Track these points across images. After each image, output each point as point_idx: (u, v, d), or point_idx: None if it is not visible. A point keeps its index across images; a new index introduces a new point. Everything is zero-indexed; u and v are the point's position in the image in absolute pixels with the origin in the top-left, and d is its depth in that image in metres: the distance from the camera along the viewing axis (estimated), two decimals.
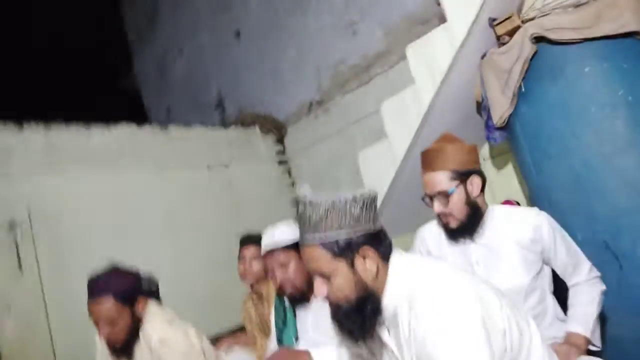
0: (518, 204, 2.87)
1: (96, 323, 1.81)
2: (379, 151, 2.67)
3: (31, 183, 2.90)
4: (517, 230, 1.64)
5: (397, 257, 1.19)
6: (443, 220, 1.66)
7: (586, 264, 1.69)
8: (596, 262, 1.92)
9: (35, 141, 3.01)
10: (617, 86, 1.85)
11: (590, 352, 1.57)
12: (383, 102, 2.68)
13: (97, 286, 1.80)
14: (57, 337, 2.71)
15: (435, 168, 1.61)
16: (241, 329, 2.65)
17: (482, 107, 2.36)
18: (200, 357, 1.88)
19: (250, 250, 2.35)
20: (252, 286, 2.39)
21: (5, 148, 2.87)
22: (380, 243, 1.17)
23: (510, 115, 2.18)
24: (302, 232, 1.17)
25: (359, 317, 1.13)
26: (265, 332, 2.37)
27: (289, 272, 1.70)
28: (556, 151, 2.02)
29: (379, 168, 2.68)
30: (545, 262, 1.69)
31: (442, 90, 2.30)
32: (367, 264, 1.14)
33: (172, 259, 3.39)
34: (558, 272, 1.70)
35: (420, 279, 1.12)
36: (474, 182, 1.64)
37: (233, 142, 4.16)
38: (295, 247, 1.64)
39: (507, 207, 1.77)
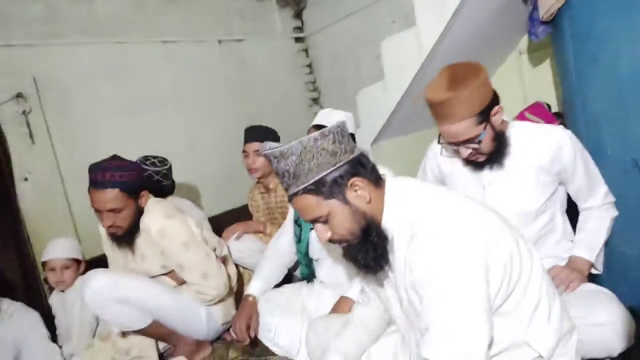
0: (549, 106, 2.69)
1: (99, 212, 1.85)
2: (405, 40, 2.43)
3: (35, 54, 2.75)
4: (537, 151, 1.53)
5: (393, 181, 1.16)
6: (471, 159, 1.52)
7: (602, 188, 1.63)
8: (619, 179, 1.84)
9: (34, 10, 2.78)
10: None
11: (590, 275, 1.57)
12: None
13: (103, 177, 1.79)
14: (74, 201, 2.82)
15: (455, 120, 1.41)
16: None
17: None
18: (201, 245, 1.94)
19: (253, 146, 2.32)
20: (259, 179, 2.38)
21: (4, 18, 2.68)
22: (365, 169, 1.13)
23: (559, 9, 1.91)
24: (285, 186, 1.12)
25: (369, 246, 1.11)
26: (273, 221, 2.42)
27: None
28: (604, 56, 1.80)
29: (404, 58, 2.47)
30: (561, 183, 1.61)
31: None
32: (358, 193, 1.11)
33: (183, 135, 3.37)
34: (571, 194, 1.64)
35: (423, 205, 1.08)
36: (497, 112, 1.48)
37: (247, 15, 3.85)
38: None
39: (528, 124, 1.63)
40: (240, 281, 2.26)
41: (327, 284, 1.86)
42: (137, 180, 1.89)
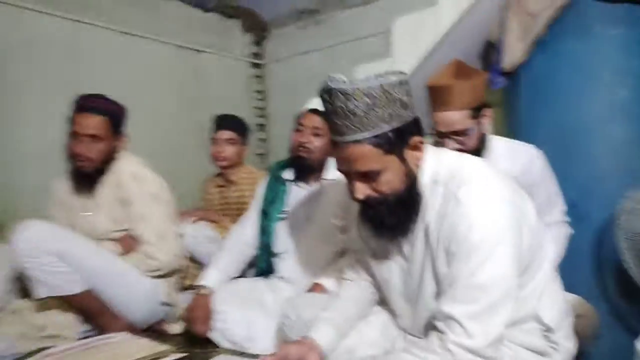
0: None
1: (78, 135, 1.75)
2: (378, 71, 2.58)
3: None
4: (509, 162, 1.64)
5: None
6: None
7: (562, 207, 1.77)
8: None
9: None
10: (635, 56, 1.88)
11: None
12: (395, 19, 2.56)
13: (93, 103, 1.76)
14: None
15: (454, 107, 1.52)
16: None
17: (494, 48, 2.33)
18: (168, 206, 1.86)
19: (225, 135, 2.26)
20: (222, 170, 2.30)
21: None
22: (421, 128, 1.07)
23: (521, 63, 2.18)
24: (343, 129, 0.99)
25: (405, 209, 1.05)
26: (231, 216, 2.30)
27: (318, 143, 1.73)
28: (557, 109, 2.06)
29: None
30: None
31: (466, 18, 2.23)
32: (416, 154, 1.04)
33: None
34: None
35: (459, 164, 1.07)
36: (487, 115, 1.62)
37: (210, 28, 3.87)
38: None
39: (505, 139, 1.77)
40: (185, 272, 2.06)
41: (288, 280, 1.77)
42: (122, 117, 1.85)
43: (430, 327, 1.02)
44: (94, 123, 1.74)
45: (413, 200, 1.05)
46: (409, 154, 1.04)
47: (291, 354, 1.11)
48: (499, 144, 1.69)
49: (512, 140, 1.76)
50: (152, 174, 1.86)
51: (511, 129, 2.35)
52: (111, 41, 3.14)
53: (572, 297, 1.47)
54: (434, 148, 1.14)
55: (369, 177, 1.03)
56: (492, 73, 2.37)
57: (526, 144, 1.73)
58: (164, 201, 1.83)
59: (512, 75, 2.25)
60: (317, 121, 1.73)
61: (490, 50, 2.40)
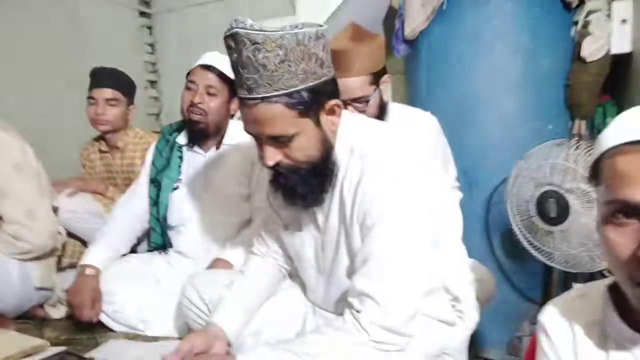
0: None
1: None
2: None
3: None
4: (409, 128, 1.62)
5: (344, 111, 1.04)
6: None
7: (453, 173, 1.83)
8: None
9: None
10: (527, 30, 1.97)
11: None
12: None
13: None
14: None
15: (352, 73, 1.46)
16: None
17: (397, 14, 2.32)
18: (35, 177, 1.58)
19: (105, 94, 1.96)
20: (104, 134, 2.02)
21: None
22: (338, 90, 0.99)
23: (421, 32, 2.19)
24: (251, 83, 0.87)
25: (319, 178, 0.97)
26: (118, 186, 2.06)
27: (213, 104, 1.54)
28: (452, 79, 2.12)
29: None
30: None
31: None
32: (332, 119, 0.97)
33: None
34: None
35: (377, 136, 1.01)
36: (386, 81, 1.60)
37: None
38: (231, 87, 1.51)
39: (401, 105, 1.78)
40: (63, 250, 1.81)
41: (186, 254, 1.64)
42: None
43: (344, 304, 0.99)
44: None
45: (328, 169, 0.98)
46: (324, 118, 0.96)
47: (195, 346, 1.01)
48: (396, 110, 1.68)
49: (407, 106, 1.78)
50: (14, 138, 1.55)
51: (411, 98, 2.40)
52: None
53: (470, 261, 1.55)
54: (351, 114, 1.07)
55: (280, 141, 0.93)
56: (395, 40, 2.37)
57: (421, 111, 1.75)
58: (30, 171, 1.55)
59: (413, 43, 2.27)
60: (210, 79, 1.54)
61: (393, 17, 2.39)
